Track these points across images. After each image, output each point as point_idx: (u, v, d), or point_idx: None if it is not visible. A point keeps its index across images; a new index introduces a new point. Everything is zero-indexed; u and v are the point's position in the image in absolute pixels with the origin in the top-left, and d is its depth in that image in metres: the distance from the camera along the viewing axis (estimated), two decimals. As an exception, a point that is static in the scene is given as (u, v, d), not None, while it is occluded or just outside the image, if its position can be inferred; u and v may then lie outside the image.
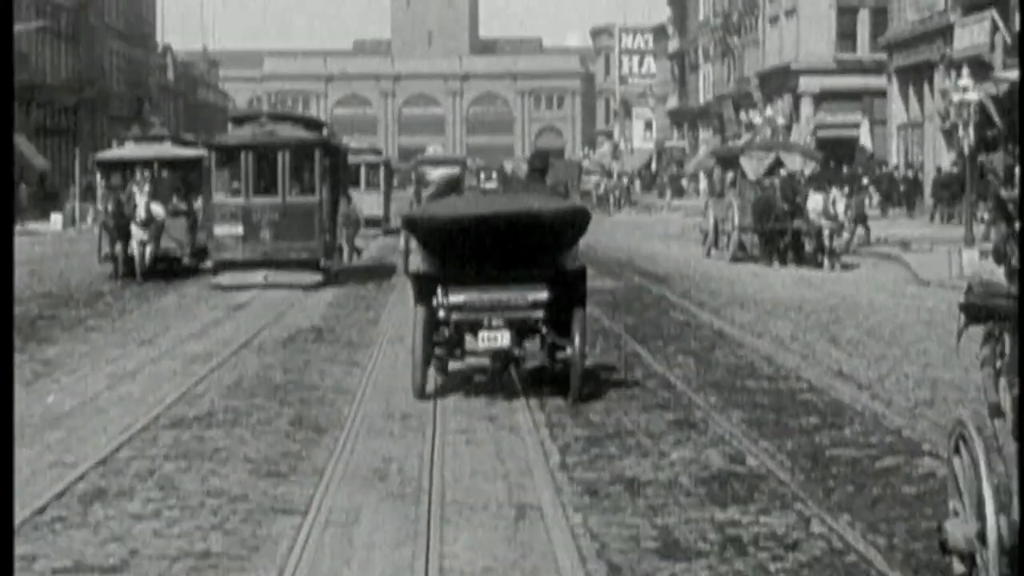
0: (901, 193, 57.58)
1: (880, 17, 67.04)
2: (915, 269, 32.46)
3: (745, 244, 37.51)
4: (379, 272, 32.55)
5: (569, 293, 14.63)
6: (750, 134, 79.34)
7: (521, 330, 14.59)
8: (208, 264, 30.02)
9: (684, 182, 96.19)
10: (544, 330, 14.58)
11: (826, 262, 34.55)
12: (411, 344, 14.96)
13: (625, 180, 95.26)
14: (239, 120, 31.52)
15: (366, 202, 49.72)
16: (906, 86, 59.22)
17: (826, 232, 34.91)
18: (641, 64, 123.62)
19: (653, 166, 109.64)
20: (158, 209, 30.29)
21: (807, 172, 37.65)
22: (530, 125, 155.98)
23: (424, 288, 14.77)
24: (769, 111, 67.52)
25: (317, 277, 28.47)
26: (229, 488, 10.70)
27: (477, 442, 12.49)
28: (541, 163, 16.60)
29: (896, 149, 61.01)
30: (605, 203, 78.30)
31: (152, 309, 24.65)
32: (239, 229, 28.19)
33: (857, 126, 70.85)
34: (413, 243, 34.30)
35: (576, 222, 14.98)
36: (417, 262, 15.93)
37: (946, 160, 53.16)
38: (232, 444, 12.39)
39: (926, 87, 56.41)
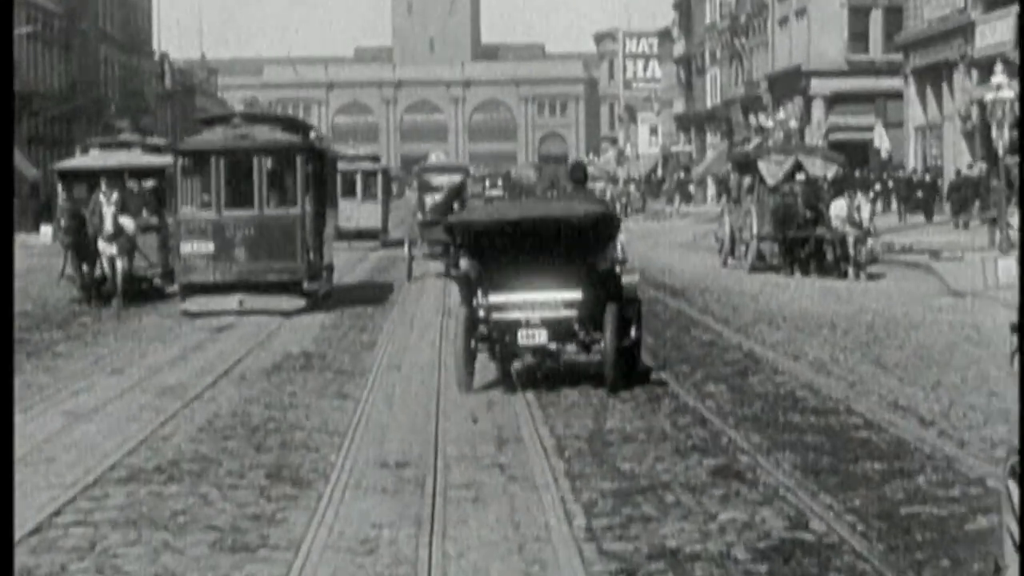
0: (919, 198, 55.55)
1: (894, 16, 65.51)
2: (946, 279, 30.56)
3: (764, 253, 35.60)
4: (375, 291, 29.77)
5: (602, 292, 15.51)
6: (760, 138, 78.21)
7: (557, 328, 15.47)
8: (175, 287, 26.64)
9: (692, 188, 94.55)
10: (577, 327, 15.45)
11: (850, 272, 32.63)
12: (454, 343, 16.09)
13: (632, 187, 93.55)
14: (209, 121, 27.72)
15: (363, 212, 47.61)
16: (924, 87, 57.42)
17: (850, 240, 32.98)
18: (646, 69, 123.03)
19: (659, 171, 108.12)
20: (128, 222, 26.72)
21: (829, 176, 35.72)
22: (533, 131, 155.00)
23: (466, 290, 15.85)
24: (782, 114, 65.71)
25: (300, 302, 25.00)
26: (183, 571, 8.74)
27: (485, 500, 10.50)
28: (581, 173, 17.37)
29: (913, 152, 59.09)
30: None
31: (130, 331, 22.62)
32: (209, 247, 24.75)
33: (870, 129, 69.08)
34: (416, 250, 33.04)
35: (604, 225, 15.91)
36: (464, 265, 16.50)
37: (966, 163, 51.26)
38: (195, 505, 10.42)
39: (945, 88, 54.57)
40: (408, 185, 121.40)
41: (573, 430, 13.07)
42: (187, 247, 24.96)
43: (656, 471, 11.39)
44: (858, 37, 69.80)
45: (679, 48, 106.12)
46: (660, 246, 46.61)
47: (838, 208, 33.29)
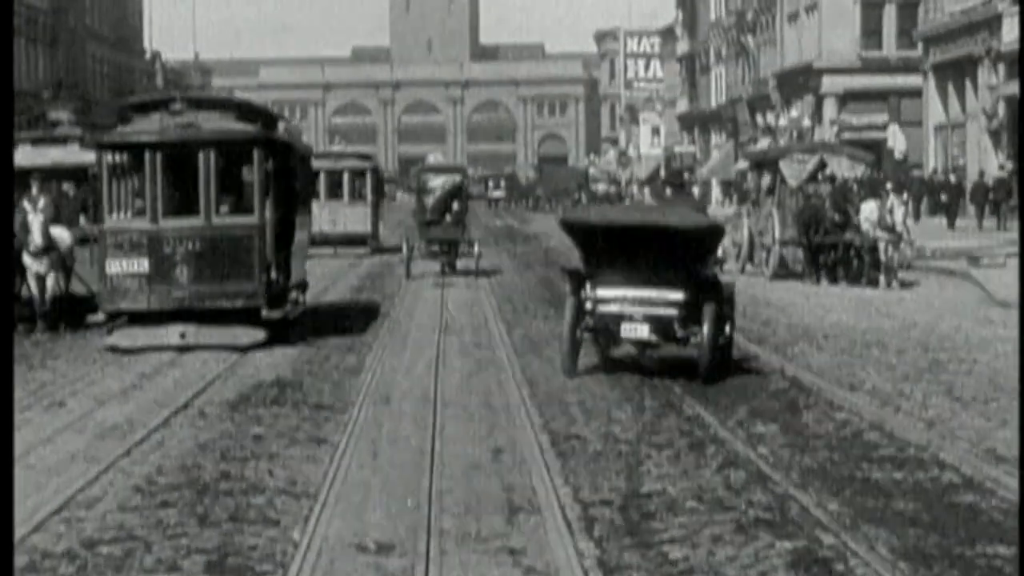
0: (940, 200, 52.84)
1: (908, 12, 63.43)
2: (987, 287, 28.02)
3: (787, 259, 32.99)
4: (360, 311, 25.06)
5: (702, 293, 16.46)
6: (768, 138, 76.25)
7: (659, 324, 16.46)
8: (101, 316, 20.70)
9: (695, 189, 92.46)
10: (678, 326, 16.40)
11: (881, 280, 30.05)
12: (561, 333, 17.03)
13: (635, 188, 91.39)
14: (141, 106, 21.09)
15: (350, 216, 43.66)
16: (944, 83, 54.93)
17: (882, 245, 30.40)
18: (647, 68, 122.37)
19: (662, 173, 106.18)
20: (61, 233, 21.99)
21: (857, 176, 33.11)
22: (532, 132, 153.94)
23: (575, 282, 16.80)
24: (794, 112, 63.11)
25: (258, 334, 19.64)
26: None
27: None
28: (679, 179, 19.98)
29: (933, 152, 56.48)
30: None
31: (62, 363, 19.26)
32: (143, 265, 19.46)
33: (883, 128, 66.90)
34: (416, 251, 32.73)
35: (712, 236, 17.16)
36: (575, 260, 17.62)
37: (992, 163, 48.67)
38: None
39: (968, 84, 51.98)
40: (400, 187, 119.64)
41: (602, 492, 10.42)
42: (114, 266, 19.53)
43: (717, 560, 8.70)
44: (871, 33, 67.87)
45: (682, 46, 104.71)
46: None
47: (868, 210, 30.75)
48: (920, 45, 57.88)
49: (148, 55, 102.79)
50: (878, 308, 25.43)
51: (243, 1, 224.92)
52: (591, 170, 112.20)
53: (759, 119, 79.03)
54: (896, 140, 63.65)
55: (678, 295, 16.46)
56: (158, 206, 19.71)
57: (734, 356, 17.48)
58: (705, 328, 16.23)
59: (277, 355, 18.92)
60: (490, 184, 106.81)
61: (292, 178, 21.74)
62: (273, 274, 20.13)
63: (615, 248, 16.65)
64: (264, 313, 19.97)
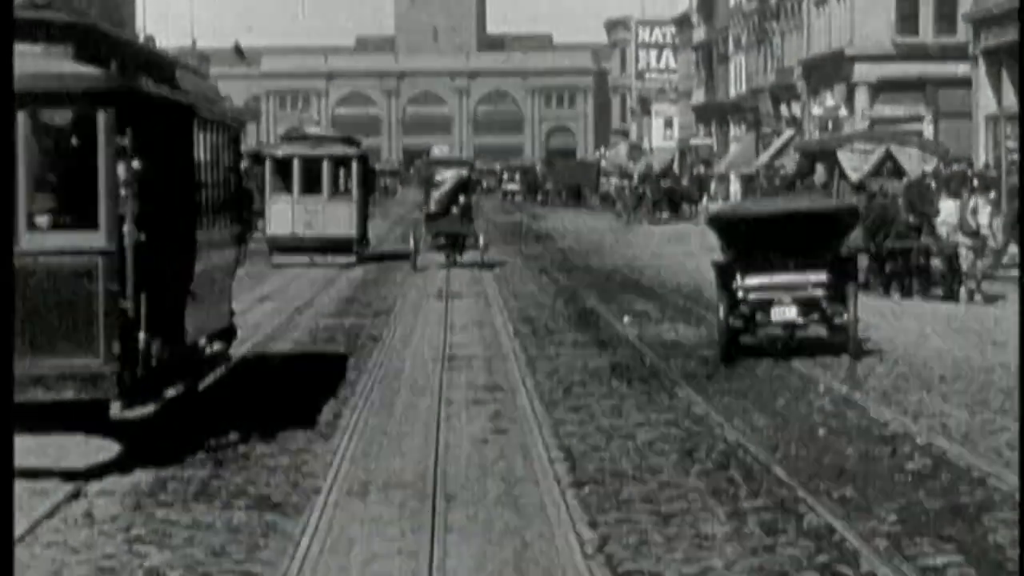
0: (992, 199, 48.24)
1: None
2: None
3: (847, 268, 28.49)
4: (324, 371, 16.86)
5: (843, 272, 18.10)
6: (792, 130, 72.96)
7: (806, 305, 17.85)
8: None
9: (712, 184, 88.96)
10: (824, 305, 17.80)
11: (962, 292, 25.49)
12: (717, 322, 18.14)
13: (648, 188, 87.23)
14: None
15: (330, 216, 35.40)
16: (997, 69, 50.45)
17: (963, 251, 25.84)
18: (659, 58, 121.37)
19: (675, 167, 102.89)
20: None
21: (929, 170, 28.58)
22: (540, 124, 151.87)
23: (725, 274, 18.11)
24: (830, 101, 58.97)
25: (110, 447, 11.56)
26: None
27: None
28: (809, 167, 22.60)
29: (984, 144, 52.08)
30: (633, 209, 70.35)
31: None
32: None
33: (919, 119, 63.08)
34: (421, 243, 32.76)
35: (850, 216, 19.35)
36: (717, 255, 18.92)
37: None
38: None
39: (1025, 70, 47.62)
40: (402, 181, 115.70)
41: None
42: None
43: None
44: (907, 18, 64.64)
45: (699, 34, 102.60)
46: (696, 254, 39.13)
47: (947, 211, 26.26)
48: (968, 29, 53.87)
49: (141, 39, 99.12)
50: (969, 328, 21.02)
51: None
52: (602, 163, 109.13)
53: (783, 110, 75.95)
54: (933, 132, 59.64)
55: (822, 276, 17.78)
56: None
57: (827, 408, 13.86)
58: (851, 306, 17.67)
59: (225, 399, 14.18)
60: (505, 176, 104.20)
61: (189, 163, 13.37)
62: (137, 339, 11.39)
63: (762, 237, 17.97)
64: (114, 411, 11.50)
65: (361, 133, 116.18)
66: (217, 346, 14.64)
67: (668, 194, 71.63)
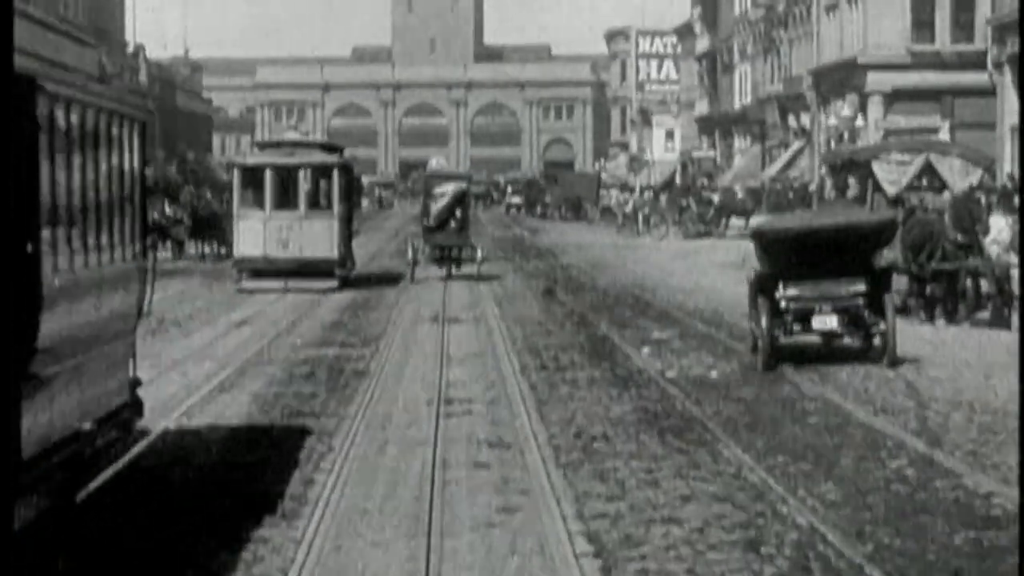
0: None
1: (964, 1, 58.23)
2: None
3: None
4: (287, 436, 13.58)
5: (879, 284, 18.90)
6: (800, 141, 71.27)
7: (846, 315, 18.73)
8: None
9: (715, 197, 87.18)
10: (864, 314, 18.69)
11: (1015, 319, 22.93)
12: (756, 329, 18.81)
13: (649, 195, 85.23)
14: None
15: (307, 234, 31.18)
16: (1022, 78, 48.40)
17: (1015, 273, 23.27)
18: (660, 69, 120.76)
19: (677, 179, 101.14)
20: None
21: (973, 183, 26.05)
22: (538, 136, 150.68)
23: (765, 285, 18.97)
24: (847, 110, 56.73)
25: None
26: None
27: None
28: (844, 180, 23.72)
29: (1010, 155, 49.94)
30: (635, 223, 68.08)
31: None
32: None
33: (936, 131, 61.25)
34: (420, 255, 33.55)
35: (889, 229, 19.94)
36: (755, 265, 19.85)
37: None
38: None
39: (1053, 78, 45.69)
40: (398, 193, 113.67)
41: None
42: None
43: None
44: (923, 25, 63.09)
45: (702, 44, 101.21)
46: (710, 271, 36.54)
47: (997, 229, 23.70)
48: (987, 36, 52.06)
49: (131, 48, 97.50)
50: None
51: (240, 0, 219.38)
52: (603, 176, 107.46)
53: (791, 120, 73.94)
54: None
55: (861, 286, 18.65)
56: None
57: (907, 473, 11.04)
58: (888, 315, 18.48)
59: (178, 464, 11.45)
60: (508, 189, 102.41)
61: (23, 163, 8.26)
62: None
63: (804, 249, 18.71)
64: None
65: (357, 145, 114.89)
66: (112, 432, 10.20)
67: (719, 210, 66.79)
